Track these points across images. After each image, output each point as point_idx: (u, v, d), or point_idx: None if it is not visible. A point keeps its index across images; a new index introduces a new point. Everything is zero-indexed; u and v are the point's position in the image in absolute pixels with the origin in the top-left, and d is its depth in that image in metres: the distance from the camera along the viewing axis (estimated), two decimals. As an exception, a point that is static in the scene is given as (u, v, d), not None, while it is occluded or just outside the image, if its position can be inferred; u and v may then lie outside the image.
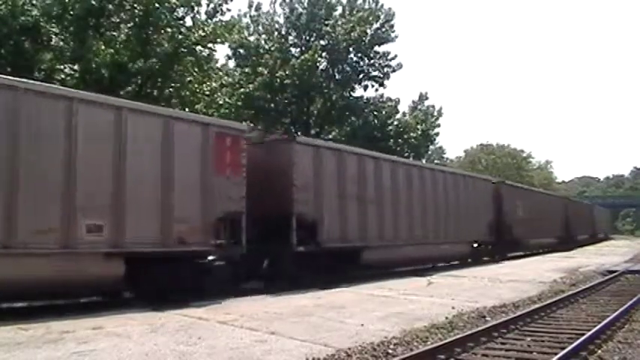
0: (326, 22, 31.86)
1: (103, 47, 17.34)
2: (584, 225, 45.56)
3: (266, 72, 29.43)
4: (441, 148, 59.51)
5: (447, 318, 9.18)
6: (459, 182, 22.17)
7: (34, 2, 17.56)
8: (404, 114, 36.54)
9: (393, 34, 33.53)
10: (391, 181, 17.35)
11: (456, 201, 21.28)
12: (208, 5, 21.00)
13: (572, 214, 39.96)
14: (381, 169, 17.03)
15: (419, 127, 35.08)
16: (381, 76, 33.75)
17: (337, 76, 32.77)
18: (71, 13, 17.77)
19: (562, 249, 33.03)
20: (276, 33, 31.96)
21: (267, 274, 13.64)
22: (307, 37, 32.20)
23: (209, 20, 21.07)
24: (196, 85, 21.01)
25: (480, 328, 8.13)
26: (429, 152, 46.32)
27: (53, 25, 17.73)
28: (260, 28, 32.03)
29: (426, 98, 38.08)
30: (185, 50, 19.57)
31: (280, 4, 32.28)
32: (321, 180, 14.47)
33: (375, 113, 33.45)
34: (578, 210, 45.21)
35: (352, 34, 31.22)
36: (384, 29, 33.21)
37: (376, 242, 16.22)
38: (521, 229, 26.67)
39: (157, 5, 18.62)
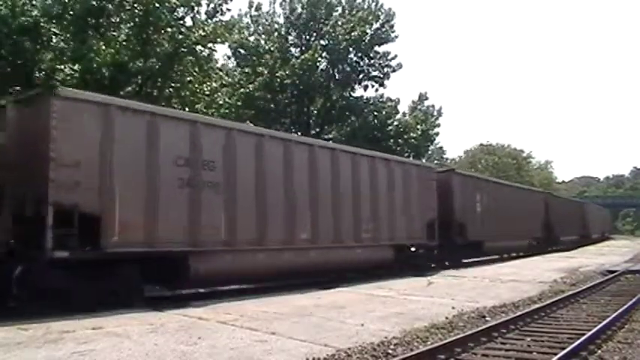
0: (326, 22, 31.87)
1: (103, 47, 17.32)
2: (572, 225, 40.91)
3: (266, 72, 29.45)
4: (441, 148, 59.50)
5: (447, 318, 9.18)
6: (390, 172, 17.30)
7: (34, 2, 17.52)
8: (404, 114, 36.55)
9: (393, 34, 33.56)
10: (281, 164, 13.64)
11: (377, 194, 16.50)
12: (208, 5, 20.98)
13: (555, 213, 35.24)
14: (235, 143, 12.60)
15: (419, 127, 35.07)
16: (381, 76, 33.77)
17: (337, 76, 32.79)
18: (71, 13, 17.75)
19: (540, 252, 29.77)
20: (276, 33, 31.98)
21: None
22: (307, 37, 32.22)
23: (209, 20, 21.06)
24: (196, 85, 20.99)
25: (480, 328, 8.13)
26: (429, 152, 46.33)
27: (53, 25, 17.71)
28: (260, 28, 32.05)
29: (426, 98, 38.11)
30: (185, 50, 19.55)
31: (280, 4, 32.32)
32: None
33: (375, 113, 33.45)
34: (564, 208, 39.80)
35: (352, 34, 31.23)
36: (384, 29, 33.22)
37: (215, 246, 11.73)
38: (479, 230, 22.59)
39: (157, 5, 18.60)
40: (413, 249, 18.39)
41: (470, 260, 22.21)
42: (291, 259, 13.40)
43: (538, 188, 42.29)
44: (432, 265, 19.21)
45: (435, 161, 51.28)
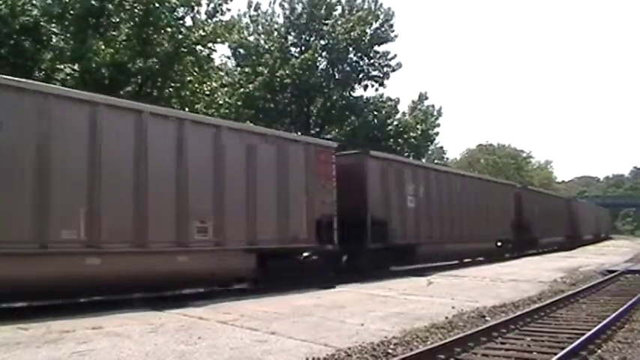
0: (326, 22, 31.91)
1: (103, 47, 17.35)
2: (556, 224, 35.11)
3: (266, 72, 29.48)
4: (441, 148, 59.62)
5: (446, 318, 9.17)
6: (251, 149, 12.73)
7: (34, 2, 17.56)
8: (404, 114, 36.61)
9: (392, 34, 33.64)
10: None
11: (224, 177, 12.01)
12: (208, 5, 21.07)
13: (531, 210, 29.66)
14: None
15: (419, 126, 35.13)
16: (381, 75, 33.84)
17: (337, 76, 32.83)
18: (71, 12, 17.79)
19: (514, 256, 25.93)
20: (275, 33, 32.01)
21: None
22: (307, 37, 32.25)
23: (209, 20, 21.11)
24: (196, 85, 21.04)
25: (479, 328, 8.13)
26: (429, 152, 46.37)
27: (53, 24, 17.75)
28: (260, 28, 32.10)
29: (426, 98, 38.17)
30: (185, 50, 19.60)
31: (280, 4, 32.34)
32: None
33: (375, 113, 33.52)
34: (544, 204, 33.06)
35: (352, 33, 31.27)
36: (383, 29, 33.29)
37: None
38: (411, 231, 18.07)
39: (156, 5, 18.64)
40: (306, 254, 13.92)
41: (401, 268, 17.88)
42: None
43: (510, 182, 34.73)
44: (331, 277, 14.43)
45: (436, 161, 51.29)
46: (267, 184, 12.98)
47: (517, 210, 27.89)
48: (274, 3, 32.50)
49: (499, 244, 25.30)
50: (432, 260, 20.10)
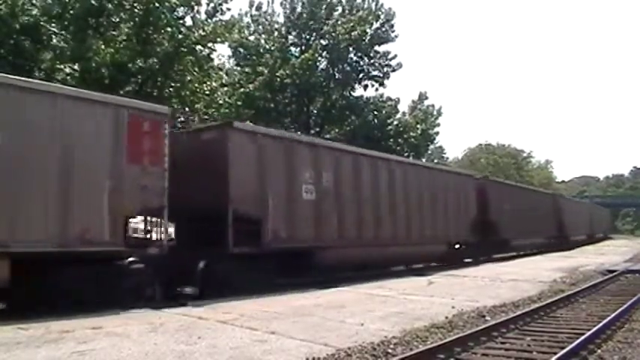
0: (326, 22, 31.92)
1: (103, 47, 17.36)
2: (537, 223, 29.96)
3: (266, 71, 29.47)
4: (440, 147, 59.65)
5: (446, 317, 9.17)
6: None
7: (34, 2, 17.57)
8: (404, 113, 36.63)
9: (393, 34, 33.66)
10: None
11: None
12: (208, 5, 21.06)
13: (498, 207, 24.61)
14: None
15: (419, 126, 35.14)
16: (381, 75, 33.84)
17: (337, 76, 32.83)
18: (71, 12, 17.80)
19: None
20: (276, 32, 32.01)
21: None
22: (307, 37, 32.26)
23: (209, 20, 21.11)
24: (196, 85, 21.04)
25: (479, 328, 8.13)
26: (429, 152, 46.36)
27: (53, 24, 17.75)
28: (260, 27, 32.10)
29: (426, 98, 38.19)
30: (185, 50, 19.59)
31: (281, 4, 32.35)
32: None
33: (375, 113, 33.55)
34: (518, 200, 27.65)
35: (352, 33, 31.27)
36: (384, 29, 33.30)
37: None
38: (304, 230, 13.80)
39: (156, 5, 18.64)
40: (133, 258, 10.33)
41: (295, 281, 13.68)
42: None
43: (469, 172, 29.48)
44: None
45: (435, 160, 51.29)
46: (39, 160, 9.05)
47: (481, 207, 23.16)
48: (273, 3, 32.55)
49: (456, 246, 21.71)
50: (342, 269, 15.54)
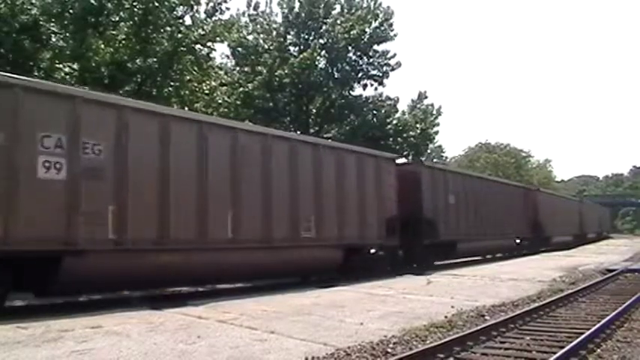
0: (325, 21, 31.85)
1: (102, 46, 17.33)
2: (502, 222, 25.20)
3: (265, 71, 29.42)
4: (440, 147, 59.53)
5: (446, 317, 9.18)
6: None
7: (33, 1, 17.53)
8: (403, 113, 36.51)
9: (392, 33, 33.50)
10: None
11: None
12: (207, 4, 21.01)
13: (436, 203, 20.09)
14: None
15: (418, 125, 35.05)
16: (380, 74, 33.74)
17: (336, 75, 32.75)
18: (71, 11, 17.76)
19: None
20: (274, 32, 31.95)
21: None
22: (306, 36, 32.19)
23: (208, 19, 21.08)
24: (195, 84, 21.02)
25: (479, 327, 8.13)
26: (429, 151, 46.30)
27: (53, 23, 17.72)
28: (259, 27, 32.02)
29: (426, 97, 38.04)
30: (184, 49, 19.57)
31: (278, 3, 32.27)
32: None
33: (375, 112, 33.47)
34: (477, 192, 23.33)
35: (351, 32, 31.19)
36: (383, 28, 33.18)
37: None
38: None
39: (156, 4, 18.62)
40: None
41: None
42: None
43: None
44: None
45: (435, 160, 51.24)
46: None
47: (408, 199, 19.48)
48: (271, 2, 32.48)
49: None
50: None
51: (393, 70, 33.83)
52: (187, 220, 11.18)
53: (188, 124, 11.69)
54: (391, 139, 32.99)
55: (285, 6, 32.13)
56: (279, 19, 32.39)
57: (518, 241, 28.08)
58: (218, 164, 11.89)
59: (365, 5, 33.08)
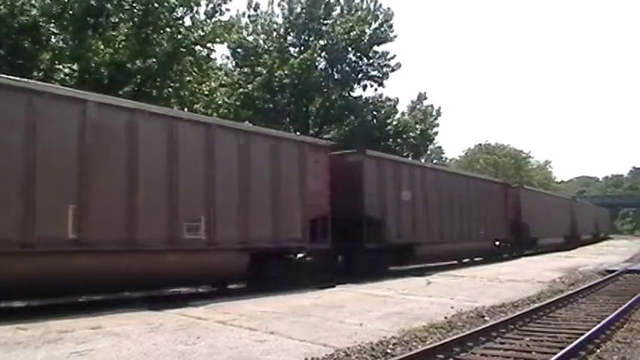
0: (325, 22, 31.87)
1: (102, 47, 17.32)
2: (479, 220, 22.78)
3: (265, 72, 29.43)
4: (440, 148, 59.58)
5: (445, 318, 9.18)
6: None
7: (32, 2, 17.53)
8: (403, 114, 36.55)
9: (392, 34, 33.55)
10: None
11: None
12: (207, 5, 21.01)
13: (396, 197, 17.48)
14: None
15: (418, 126, 35.11)
16: (380, 75, 33.78)
17: (336, 76, 32.77)
18: (70, 12, 17.75)
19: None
20: (274, 33, 31.98)
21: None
22: (306, 37, 32.20)
23: (208, 20, 21.08)
24: (195, 85, 21.01)
25: (478, 328, 8.13)
26: (428, 152, 46.33)
27: (52, 24, 17.71)
28: (259, 28, 32.04)
29: (425, 98, 38.13)
30: (184, 50, 19.56)
31: (279, 4, 32.30)
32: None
33: (374, 113, 33.51)
34: (446, 188, 20.54)
35: (351, 33, 31.22)
36: (382, 29, 33.22)
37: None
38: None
39: (156, 5, 18.62)
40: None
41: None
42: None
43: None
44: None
45: (435, 161, 51.26)
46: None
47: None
48: (273, 3, 32.50)
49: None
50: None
51: (392, 71, 33.88)
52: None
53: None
54: (391, 139, 33.03)
55: (286, 7, 32.18)
56: (280, 20, 32.45)
57: (497, 243, 25.16)
58: (52, 147, 9.34)
59: (365, 6, 33.12)
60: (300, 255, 14.05)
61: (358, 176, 16.17)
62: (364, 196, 16.10)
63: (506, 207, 26.27)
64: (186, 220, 11.06)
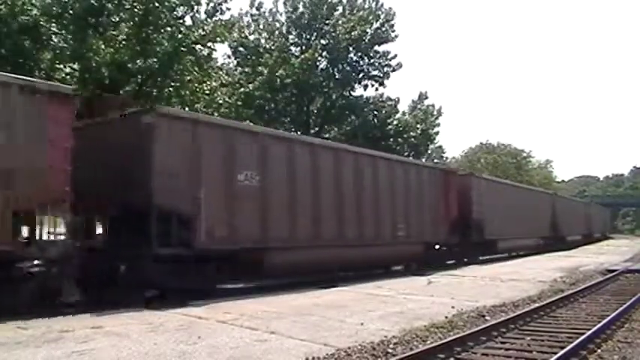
0: (327, 22, 31.90)
1: (102, 46, 17.31)
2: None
3: (266, 71, 29.43)
4: (440, 147, 59.53)
5: (446, 317, 9.17)
6: None
7: (33, 1, 17.52)
8: (404, 113, 36.58)
9: (393, 34, 33.61)
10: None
11: None
12: (208, 4, 21.00)
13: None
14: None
15: (419, 126, 35.14)
16: (381, 75, 33.81)
17: (337, 76, 32.80)
18: (71, 12, 17.74)
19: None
20: (276, 32, 31.99)
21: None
22: (308, 37, 32.24)
23: (209, 19, 21.06)
24: (196, 85, 20.99)
25: (479, 328, 8.13)
26: (429, 152, 46.33)
27: (53, 24, 17.70)
28: (260, 27, 32.06)
29: (426, 97, 38.17)
30: (185, 49, 19.55)
31: (284, 3, 32.32)
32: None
33: (375, 112, 33.55)
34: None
35: (352, 33, 31.26)
36: (384, 29, 33.26)
37: None
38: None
39: (156, 4, 18.60)
40: None
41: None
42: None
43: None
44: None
45: (435, 160, 51.24)
46: None
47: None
48: (277, 2, 32.55)
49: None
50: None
51: (393, 70, 33.93)
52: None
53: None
54: (391, 139, 33.06)
55: (289, 6, 32.19)
56: (283, 19, 32.48)
57: (437, 247, 20.32)
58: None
59: (366, 6, 33.15)
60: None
61: (147, 146, 10.81)
62: (152, 176, 10.67)
63: (447, 200, 20.49)
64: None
